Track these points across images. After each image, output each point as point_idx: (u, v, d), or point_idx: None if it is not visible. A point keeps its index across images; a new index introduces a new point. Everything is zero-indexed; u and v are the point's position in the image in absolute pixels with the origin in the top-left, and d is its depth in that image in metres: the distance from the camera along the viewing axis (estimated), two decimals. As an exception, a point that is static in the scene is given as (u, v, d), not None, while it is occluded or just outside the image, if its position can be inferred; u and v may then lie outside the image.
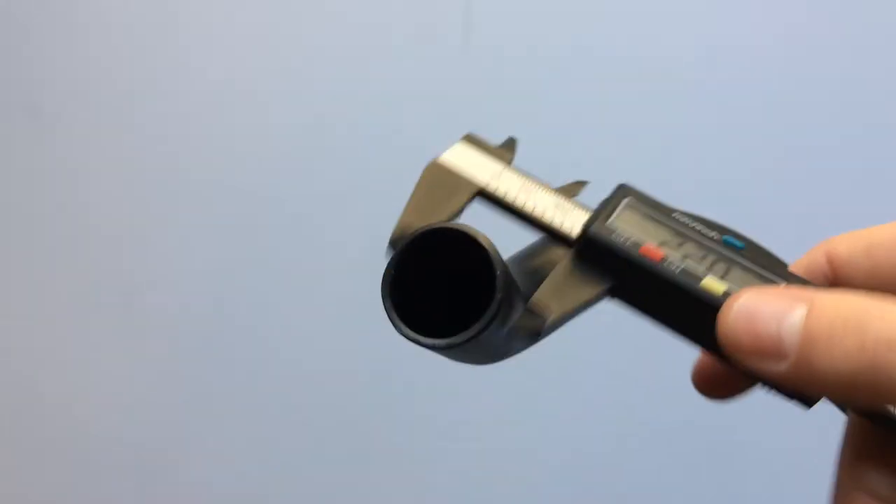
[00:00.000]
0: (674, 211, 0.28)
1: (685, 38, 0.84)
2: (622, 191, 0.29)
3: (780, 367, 0.22)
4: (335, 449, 0.98)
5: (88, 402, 0.98)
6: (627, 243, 0.26)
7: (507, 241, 0.28)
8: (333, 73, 0.91)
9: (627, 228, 0.27)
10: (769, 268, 0.26)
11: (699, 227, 0.27)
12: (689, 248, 0.26)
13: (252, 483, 0.99)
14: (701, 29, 0.85)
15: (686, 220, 0.27)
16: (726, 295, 0.25)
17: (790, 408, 0.28)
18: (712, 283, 0.25)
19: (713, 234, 0.27)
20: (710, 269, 0.26)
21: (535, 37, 0.87)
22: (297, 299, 0.95)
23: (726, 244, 0.27)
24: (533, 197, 0.29)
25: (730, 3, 0.85)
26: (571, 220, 0.28)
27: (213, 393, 0.98)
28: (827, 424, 0.31)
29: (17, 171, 0.95)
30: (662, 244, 0.26)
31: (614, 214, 0.27)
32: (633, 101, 0.86)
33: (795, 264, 0.30)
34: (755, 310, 0.23)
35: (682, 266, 0.26)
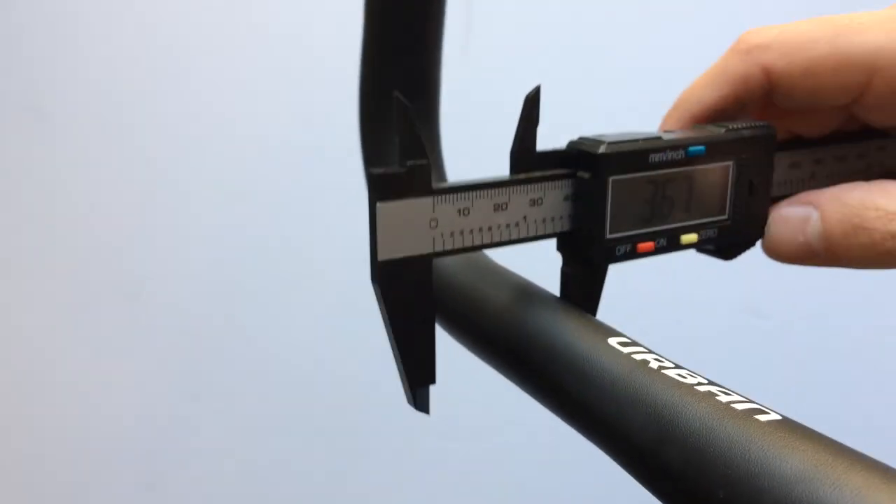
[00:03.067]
0: (644, 151, 0.27)
1: (685, 40, 0.84)
2: (601, 163, 0.26)
3: (817, 262, 0.28)
4: (335, 449, 0.98)
5: (88, 401, 0.98)
6: (626, 250, 0.27)
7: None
8: (333, 73, 0.91)
9: (620, 224, 0.27)
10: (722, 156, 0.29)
11: (669, 155, 0.27)
12: (663, 200, 0.28)
13: (252, 481, 0.99)
14: (702, 31, 0.85)
15: (658, 156, 0.27)
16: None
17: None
18: (688, 238, 0.29)
19: (680, 153, 0.27)
20: (680, 213, 0.28)
21: (535, 37, 0.87)
22: (298, 299, 0.95)
23: (690, 155, 0.28)
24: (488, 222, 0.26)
25: (730, 4, 0.85)
26: (546, 227, 0.27)
27: (213, 392, 0.98)
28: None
29: (22, 171, 0.95)
30: (647, 221, 0.28)
31: (608, 210, 0.26)
32: (634, 102, 0.86)
33: (719, 66, 0.30)
34: (783, 230, 0.29)
35: (666, 234, 0.28)
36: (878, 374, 0.90)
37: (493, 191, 0.25)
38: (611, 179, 0.26)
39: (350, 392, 0.96)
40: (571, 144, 0.27)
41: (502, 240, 0.26)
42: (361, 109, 0.39)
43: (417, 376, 0.26)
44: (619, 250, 0.27)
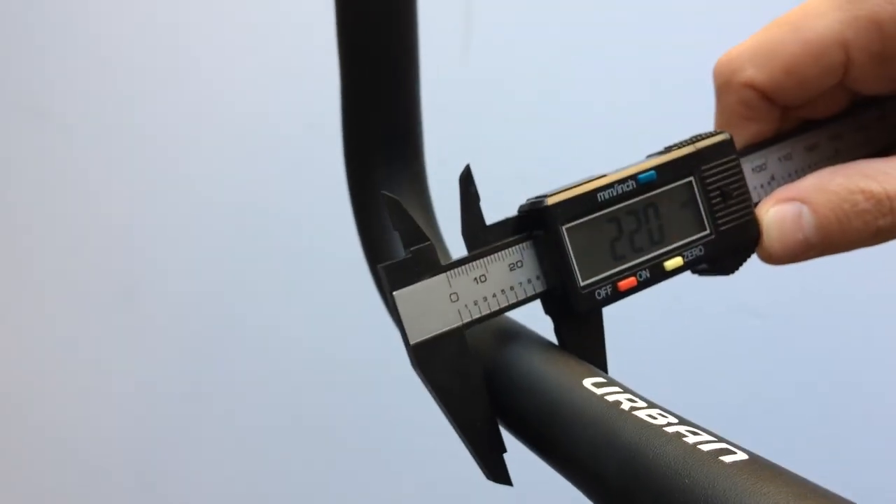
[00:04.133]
0: (590, 193, 0.27)
1: (687, 43, 0.84)
2: (549, 216, 0.27)
3: (812, 255, 0.28)
4: (335, 448, 0.98)
5: (87, 400, 0.98)
6: (608, 293, 0.27)
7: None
8: (333, 71, 0.91)
9: (592, 268, 0.27)
10: (679, 173, 0.28)
11: (619, 189, 0.27)
12: (631, 234, 0.28)
13: (252, 480, 0.99)
14: (703, 35, 0.86)
15: (606, 193, 0.27)
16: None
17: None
18: (672, 263, 0.28)
19: (629, 184, 0.27)
20: (654, 242, 0.28)
21: (535, 38, 0.87)
22: (297, 298, 0.95)
23: (642, 183, 0.28)
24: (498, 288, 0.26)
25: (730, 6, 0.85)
26: (535, 287, 0.27)
27: (213, 392, 0.98)
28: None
29: (23, 171, 0.96)
30: (621, 258, 0.28)
31: (573, 259, 0.26)
32: (634, 103, 0.86)
33: (718, 111, 0.30)
34: (783, 231, 0.28)
35: (646, 266, 0.28)
36: (880, 374, 0.90)
37: (505, 252, 0.26)
38: (564, 229, 0.26)
39: (350, 391, 0.96)
40: (520, 208, 0.27)
41: (519, 300, 0.27)
42: (353, 204, 0.40)
43: (487, 449, 0.26)
44: (599, 294, 0.27)
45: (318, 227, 0.93)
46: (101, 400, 0.98)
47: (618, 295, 0.28)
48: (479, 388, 0.25)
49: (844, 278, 0.80)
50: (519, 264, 0.26)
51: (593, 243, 0.27)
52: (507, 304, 0.26)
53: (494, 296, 0.26)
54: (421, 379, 0.25)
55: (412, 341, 0.24)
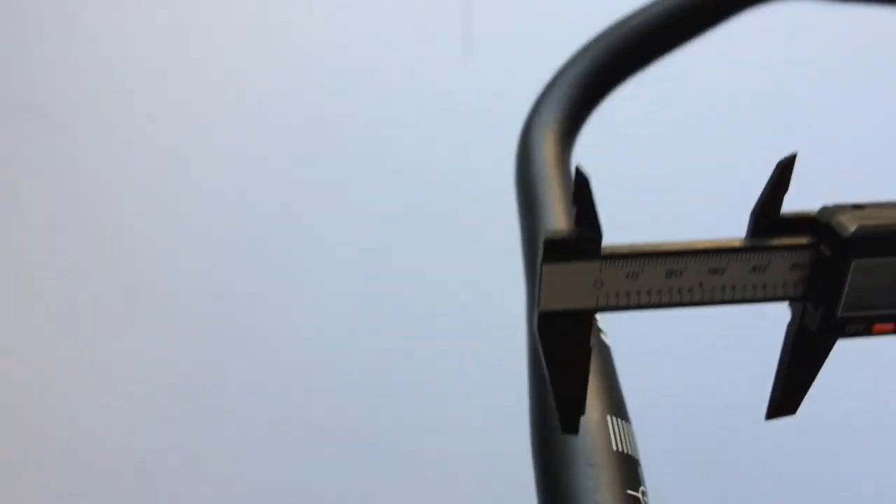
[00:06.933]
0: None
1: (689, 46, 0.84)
2: (847, 246, 0.25)
3: None
4: (335, 448, 0.98)
5: (87, 399, 0.98)
6: (859, 329, 0.26)
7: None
8: (334, 71, 0.91)
9: (861, 305, 0.25)
10: None
11: None
12: None
13: (252, 480, 0.99)
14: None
15: None
16: None
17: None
18: None
19: None
20: None
21: (535, 39, 0.87)
22: (297, 298, 0.95)
23: None
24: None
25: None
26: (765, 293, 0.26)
27: (213, 391, 0.98)
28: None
29: (23, 171, 0.96)
30: (889, 305, 0.26)
31: (843, 296, 0.25)
32: (634, 102, 0.86)
33: None
34: None
35: None
36: (881, 374, 0.90)
37: (665, 258, 0.25)
38: (855, 263, 0.24)
39: (352, 392, 0.96)
40: (820, 214, 0.25)
41: (673, 302, 0.26)
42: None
43: (567, 422, 0.27)
44: (850, 328, 0.25)
45: (319, 226, 0.93)
46: (101, 400, 0.98)
47: (868, 334, 0.26)
48: (584, 372, 0.26)
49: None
50: (762, 269, 0.25)
51: (874, 281, 0.25)
52: (699, 300, 0.26)
53: (639, 293, 0.26)
54: (538, 343, 0.26)
55: (542, 308, 0.25)
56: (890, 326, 0.25)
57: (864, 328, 0.25)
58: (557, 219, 0.39)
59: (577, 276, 0.24)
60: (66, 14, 0.93)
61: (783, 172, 0.24)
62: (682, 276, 0.25)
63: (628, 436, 0.31)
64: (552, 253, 0.24)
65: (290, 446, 0.98)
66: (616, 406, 0.31)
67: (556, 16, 0.88)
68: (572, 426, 0.27)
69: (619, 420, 0.31)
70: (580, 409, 0.27)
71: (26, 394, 0.99)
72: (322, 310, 0.95)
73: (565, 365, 0.26)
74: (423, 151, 0.91)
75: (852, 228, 0.24)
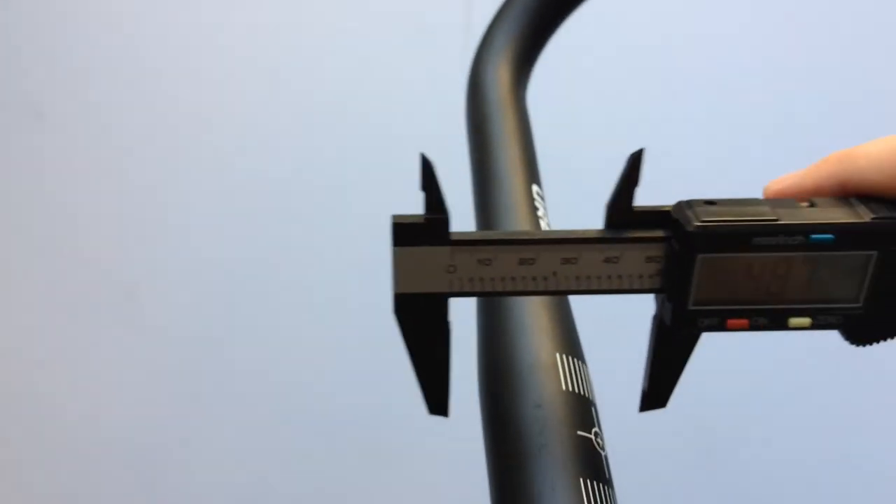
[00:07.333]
0: (749, 231, 0.25)
1: (688, 42, 0.84)
2: (691, 241, 0.25)
3: None
4: (335, 448, 0.98)
5: (87, 399, 0.98)
6: (713, 324, 0.26)
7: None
8: (331, 73, 0.91)
9: (710, 299, 0.25)
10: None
11: (783, 240, 0.25)
12: (768, 282, 0.25)
13: (252, 480, 0.99)
14: (702, 31, 0.86)
15: (765, 240, 0.24)
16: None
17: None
18: (799, 322, 0.26)
19: (797, 239, 0.25)
20: (790, 295, 0.26)
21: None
22: (297, 299, 0.95)
23: (812, 242, 0.25)
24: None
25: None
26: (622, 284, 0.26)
27: (213, 391, 0.98)
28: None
29: (23, 171, 0.96)
30: (746, 300, 0.26)
31: (693, 282, 0.25)
32: (633, 102, 0.86)
33: (804, 176, 0.27)
34: None
35: (768, 314, 0.26)
36: (883, 373, 0.90)
37: (518, 247, 0.25)
38: (700, 257, 0.24)
39: (350, 392, 0.95)
40: (673, 210, 0.25)
41: (528, 289, 0.26)
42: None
43: (432, 404, 0.28)
44: (702, 322, 0.26)
45: (320, 226, 0.93)
46: (101, 400, 0.98)
47: (723, 329, 0.26)
48: (444, 355, 0.27)
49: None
50: (615, 259, 0.25)
51: (722, 277, 0.25)
52: (554, 288, 0.26)
53: (493, 279, 0.26)
54: (397, 324, 0.26)
55: (397, 291, 0.25)
56: (744, 322, 0.26)
57: (718, 323, 0.26)
58: (512, 164, 0.39)
59: (428, 261, 0.25)
60: (66, 14, 0.93)
61: (633, 167, 0.25)
62: (534, 265, 0.25)
63: (582, 375, 0.30)
64: (401, 237, 0.25)
65: (291, 446, 0.98)
66: (568, 344, 0.30)
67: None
68: (439, 408, 0.28)
69: (572, 358, 0.30)
70: (445, 390, 0.27)
71: (26, 394, 0.99)
72: (322, 310, 0.95)
73: (425, 347, 0.26)
74: (424, 151, 0.91)
75: (696, 224, 0.24)
